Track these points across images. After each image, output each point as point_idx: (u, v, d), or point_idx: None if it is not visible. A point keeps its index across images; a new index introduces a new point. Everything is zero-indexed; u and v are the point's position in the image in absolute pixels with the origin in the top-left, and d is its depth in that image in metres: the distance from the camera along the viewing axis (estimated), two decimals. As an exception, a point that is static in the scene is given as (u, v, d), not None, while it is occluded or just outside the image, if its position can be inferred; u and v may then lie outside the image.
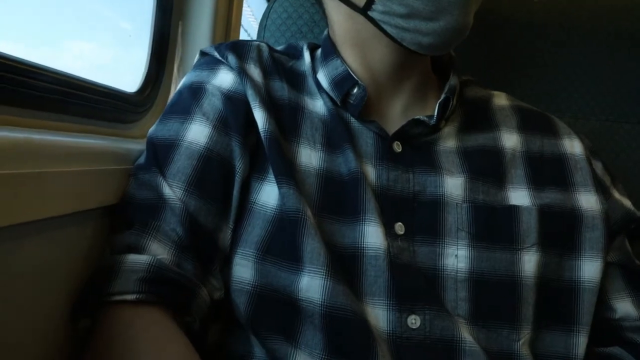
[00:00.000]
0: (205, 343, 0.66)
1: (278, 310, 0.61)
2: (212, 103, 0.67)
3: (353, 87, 0.68)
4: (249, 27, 3.37)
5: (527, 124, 0.74)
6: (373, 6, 0.63)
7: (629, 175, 0.92)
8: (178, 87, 0.71)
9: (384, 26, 0.64)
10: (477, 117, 0.74)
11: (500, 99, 0.77)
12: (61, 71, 0.67)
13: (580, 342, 0.65)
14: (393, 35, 0.64)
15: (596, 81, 0.96)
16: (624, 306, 0.68)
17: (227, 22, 0.97)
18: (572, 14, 0.97)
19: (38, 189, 0.51)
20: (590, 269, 0.66)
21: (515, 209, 0.67)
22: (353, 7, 0.66)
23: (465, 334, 0.61)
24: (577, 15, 0.97)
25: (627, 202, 0.72)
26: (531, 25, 0.96)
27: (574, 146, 0.73)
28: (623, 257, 0.69)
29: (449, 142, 0.71)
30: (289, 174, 0.63)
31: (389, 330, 0.60)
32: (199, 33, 0.93)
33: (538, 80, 0.97)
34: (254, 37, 0.97)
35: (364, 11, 0.64)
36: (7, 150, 0.48)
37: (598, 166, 0.73)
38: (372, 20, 0.64)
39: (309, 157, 0.66)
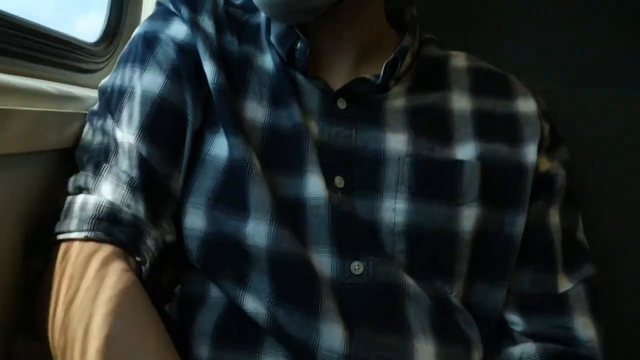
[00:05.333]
0: (159, 284, 0.68)
1: (228, 255, 0.64)
2: (165, 52, 0.68)
3: (296, 42, 0.69)
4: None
5: (481, 85, 0.75)
6: None
7: (584, 140, 0.95)
8: (132, 36, 0.72)
9: None
10: (430, 78, 0.75)
11: (458, 60, 0.78)
12: (21, 18, 0.68)
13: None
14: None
15: (556, 44, 0.98)
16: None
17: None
18: None
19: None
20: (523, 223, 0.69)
21: (458, 163, 0.68)
22: None
23: (408, 279, 0.64)
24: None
25: (560, 172, 0.73)
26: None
27: (528, 105, 0.74)
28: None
29: (397, 101, 0.71)
30: (236, 125, 0.65)
31: (333, 276, 0.63)
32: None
33: (499, 41, 0.99)
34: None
35: None
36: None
37: (546, 128, 0.74)
38: None
39: (255, 111, 0.68)
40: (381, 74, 0.69)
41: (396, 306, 0.63)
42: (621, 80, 0.98)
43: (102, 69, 0.85)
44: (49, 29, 0.74)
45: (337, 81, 0.71)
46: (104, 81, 0.70)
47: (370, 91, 0.71)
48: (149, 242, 0.63)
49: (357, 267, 0.63)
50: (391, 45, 0.74)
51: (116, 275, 0.56)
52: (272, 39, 0.71)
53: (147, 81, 0.67)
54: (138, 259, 0.62)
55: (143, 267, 0.62)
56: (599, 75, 0.98)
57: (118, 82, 0.68)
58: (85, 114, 0.69)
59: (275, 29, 0.71)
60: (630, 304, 0.93)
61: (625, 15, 0.98)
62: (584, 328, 0.67)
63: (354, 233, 0.64)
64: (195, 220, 0.65)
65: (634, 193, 0.95)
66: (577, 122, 0.96)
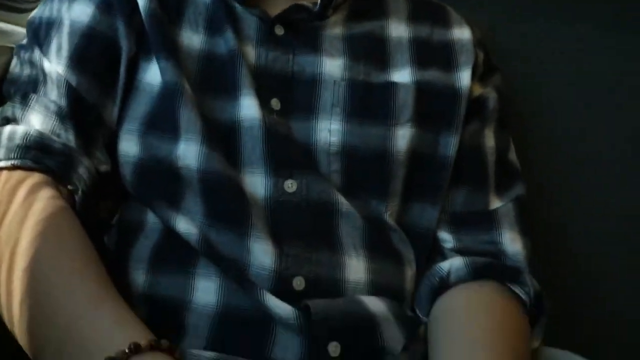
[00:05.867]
0: (97, 215, 0.68)
1: (161, 179, 0.65)
2: None
3: None
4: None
5: (418, 13, 0.77)
6: None
7: (523, 69, 0.97)
8: None
9: None
10: (368, 6, 0.76)
11: None
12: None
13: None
14: None
15: None
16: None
17: None
18: None
19: None
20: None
21: (392, 85, 0.70)
22: None
23: (342, 198, 0.66)
24: None
25: (492, 95, 0.75)
26: None
27: (463, 33, 0.76)
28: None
29: (335, 29, 0.73)
30: (168, 50, 0.66)
31: (266, 194, 0.64)
32: None
33: None
34: None
35: None
36: None
37: (480, 55, 0.76)
38: None
39: (190, 39, 0.69)
40: (319, 2, 0.70)
41: (329, 224, 0.65)
42: (560, 12, 0.99)
43: (35, 8, 0.84)
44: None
45: (275, 9, 0.71)
46: (32, 14, 0.69)
47: (308, 18, 0.72)
48: (81, 171, 0.63)
49: (290, 185, 0.65)
50: None
51: (44, 201, 0.57)
52: None
53: (76, 12, 0.67)
54: (69, 187, 0.62)
55: (76, 196, 0.62)
56: (539, 8, 0.99)
57: (46, 14, 0.68)
58: (13, 48, 0.68)
59: None
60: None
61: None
62: (512, 243, 0.70)
63: (289, 153, 0.66)
64: (129, 146, 0.66)
65: (568, 122, 0.98)
66: (518, 53, 0.97)
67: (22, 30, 0.71)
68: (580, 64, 0.98)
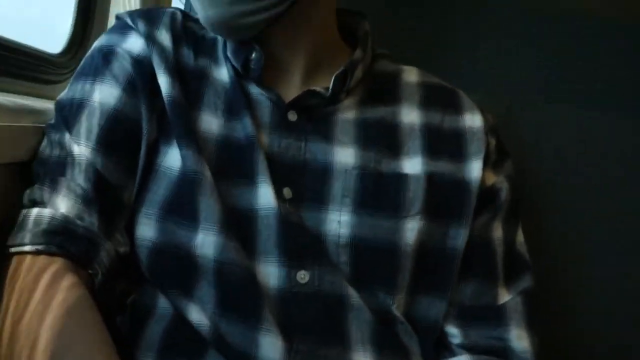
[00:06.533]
0: (114, 296, 0.70)
1: (177, 265, 0.66)
2: (122, 66, 0.70)
3: (251, 52, 0.71)
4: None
5: (431, 99, 0.77)
6: None
7: (538, 153, 0.99)
8: (89, 50, 0.74)
9: None
10: (381, 91, 0.77)
11: (410, 75, 0.80)
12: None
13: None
14: None
15: (508, 59, 1.02)
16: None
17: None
18: None
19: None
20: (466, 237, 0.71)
21: (402, 176, 0.71)
22: None
23: (352, 290, 0.66)
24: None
25: (504, 186, 0.76)
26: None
27: (474, 120, 0.76)
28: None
29: (348, 114, 0.74)
30: (189, 137, 0.67)
31: (278, 285, 0.65)
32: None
33: (452, 56, 1.03)
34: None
35: None
36: None
37: (492, 142, 0.76)
38: None
39: (210, 123, 0.70)
40: (330, 87, 0.72)
41: (339, 317, 0.66)
42: (575, 96, 1.01)
43: (66, 80, 0.86)
44: (8, 39, 0.75)
45: (289, 92, 0.73)
46: (61, 95, 0.72)
47: (321, 103, 0.73)
48: (102, 255, 0.65)
49: (303, 276, 0.65)
50: (343, 59, 0.76)
51: (65, 292, 0.58)
52: (228, 52, 0.74)
53: (104, 94, 0.69)
54: (90, 271, 0.63)
55: (95, 279, 0.64)
56: (555, 92, 1.01)
57: (75, 95, 0.70)
58: (43, 128, 0.70)
59: (231, 42, 0.73)
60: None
61: (580, 34, 1.01)
62: (519, 339, 0.70)
63: (301, 243, 0.67)
64: (146, 230, 0.67)
65: (587, 204, 0.99)
66: (533, 135, 1.00)
67: (52, 107, 0.73)
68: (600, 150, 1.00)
